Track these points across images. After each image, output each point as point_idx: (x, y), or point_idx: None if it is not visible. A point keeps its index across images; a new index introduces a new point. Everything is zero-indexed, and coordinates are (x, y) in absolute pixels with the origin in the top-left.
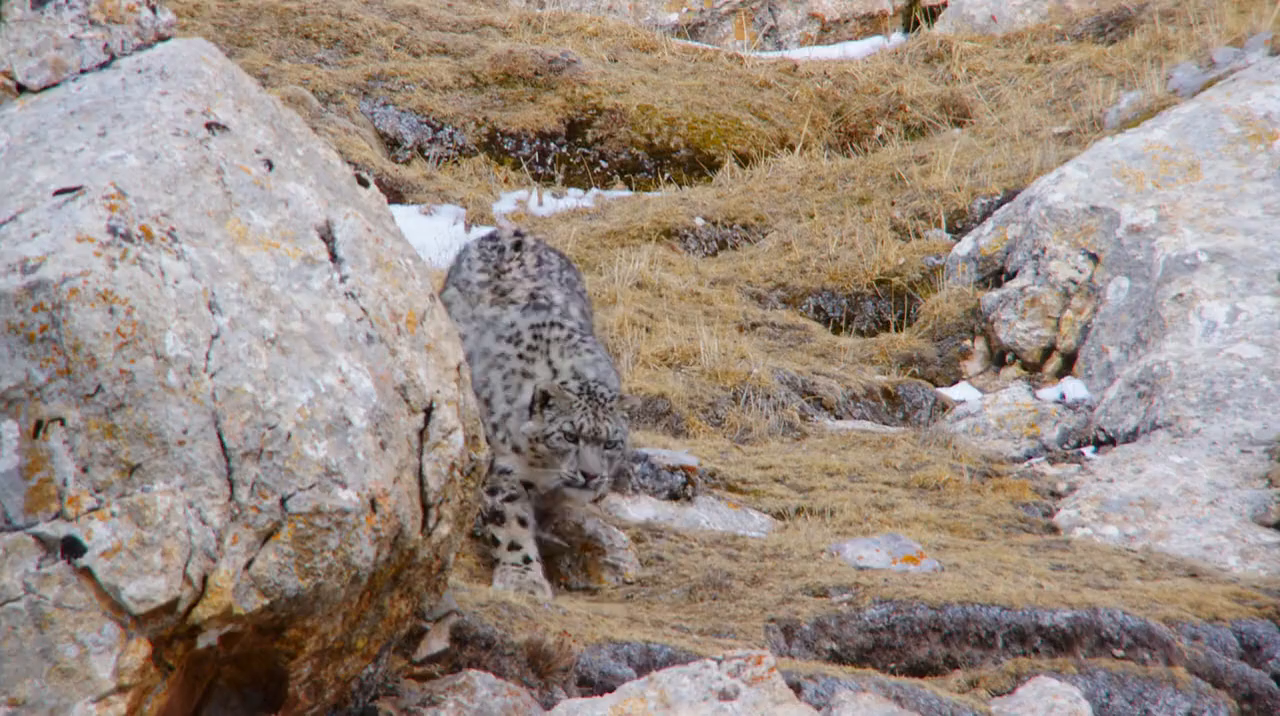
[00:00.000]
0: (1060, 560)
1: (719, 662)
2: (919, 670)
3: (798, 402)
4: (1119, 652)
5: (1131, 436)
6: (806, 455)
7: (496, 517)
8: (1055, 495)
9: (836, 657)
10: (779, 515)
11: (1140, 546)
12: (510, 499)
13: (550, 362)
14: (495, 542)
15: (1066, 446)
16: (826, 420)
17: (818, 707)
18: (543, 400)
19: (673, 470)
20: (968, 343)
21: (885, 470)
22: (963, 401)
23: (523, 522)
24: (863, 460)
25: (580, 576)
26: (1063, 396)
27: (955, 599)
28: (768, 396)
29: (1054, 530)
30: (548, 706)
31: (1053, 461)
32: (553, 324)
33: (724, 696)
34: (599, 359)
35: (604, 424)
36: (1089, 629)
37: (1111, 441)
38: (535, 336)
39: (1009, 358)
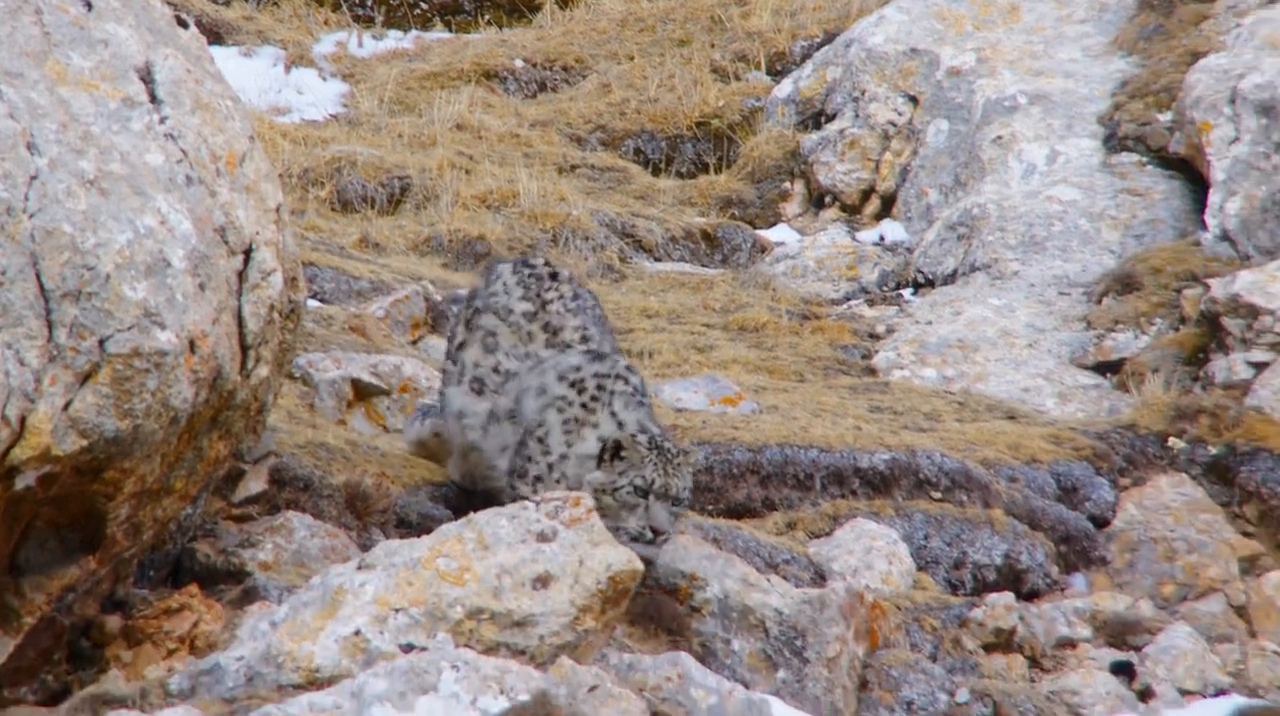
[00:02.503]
0: (879, 402)
1: (537, 505)
2: (737, 512)
3: (617, 244)
4: (937, 495)
5: (950, 278)
6: (625, 297)
7: None
8: (874, 337)
9: None
10: (598, 357)
11: (958, 388)
12: None
13: (614, 414)
14: None
15: (885, 288)
16: (645, 262)
17: None
18: (614, 451)
19: None
20: (787, 185)
21: (704, 312)
22: (782, 243)
23: None
24: (682, 302)
25: (398, 418)
26: (882, 238)
27: (773, 441)
28: (587, 238)
29: (872, 372)
30: (366, 548)
31: (871, 303)
32: (617, 377)
33: (542, 538)
34: (650, 410)
35: (674, 480)
36: (907, 471)
37: (930, 283)
38: (599, 387)
39: (828, 200)
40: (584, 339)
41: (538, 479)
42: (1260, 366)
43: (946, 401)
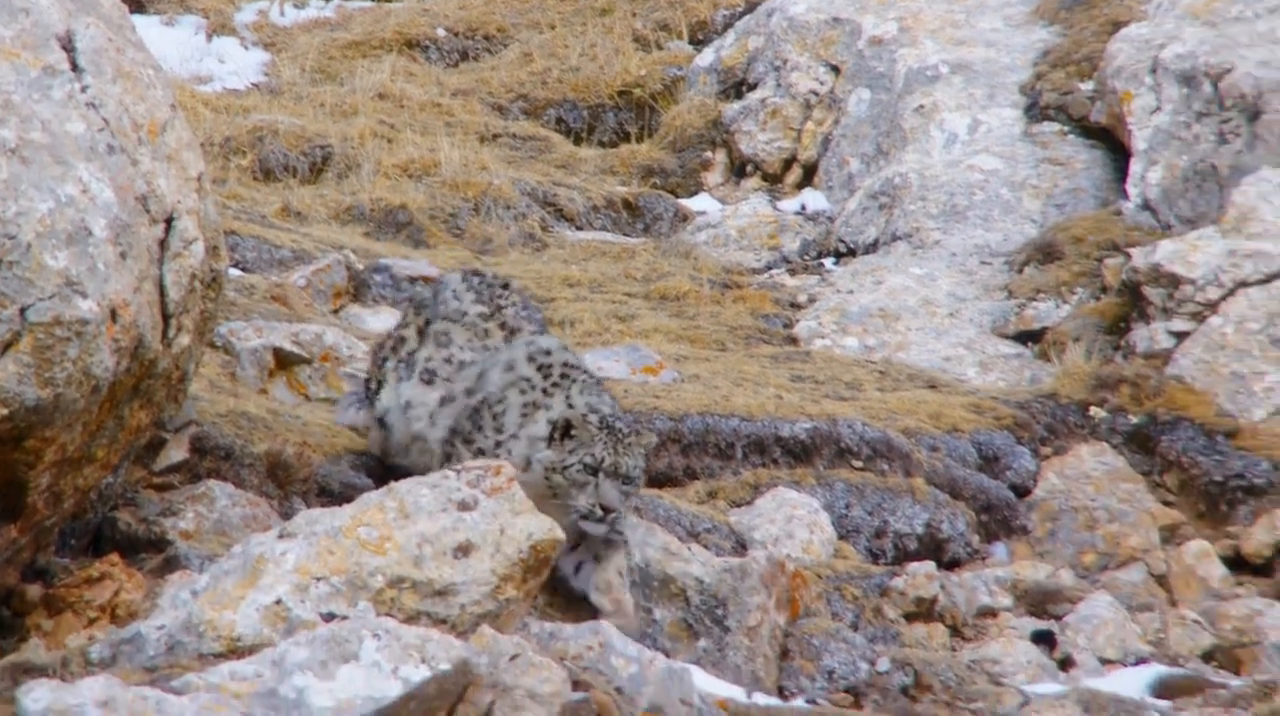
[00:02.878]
0: (800, 371)
1: (458, 473)
2: (659, 481)
3: (539, 213)
4: (858, 463)
5: (872, 248)
6: (547, 265)
7: None
8: (795, 306)
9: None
10: None
11: (880, 357)
12: None
13: (568, 398)
14: None
15: (807, 257)
16: (567, 231)
17: None
18: (564, 430)
19: (413, 280)
20: (709, 154)
21: (626, 281)
22: (703, 212)
23: None
24: (603, 271)
25: (320, 387)
26: (803, 207)
27: (695, 410)
28: (509, 207)
29: (794, 341)
30: (287, 516)
31: (793, 272)
32: (583, 369)
33: (463, 507)
34: (614, 402)
35: (624, 458)
36: (828, 440)
37: (852, 252)
38: (564, 374)
39: (750, 169)
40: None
41: (481, 451)
42: (1181, 336)
43: (868, 370)
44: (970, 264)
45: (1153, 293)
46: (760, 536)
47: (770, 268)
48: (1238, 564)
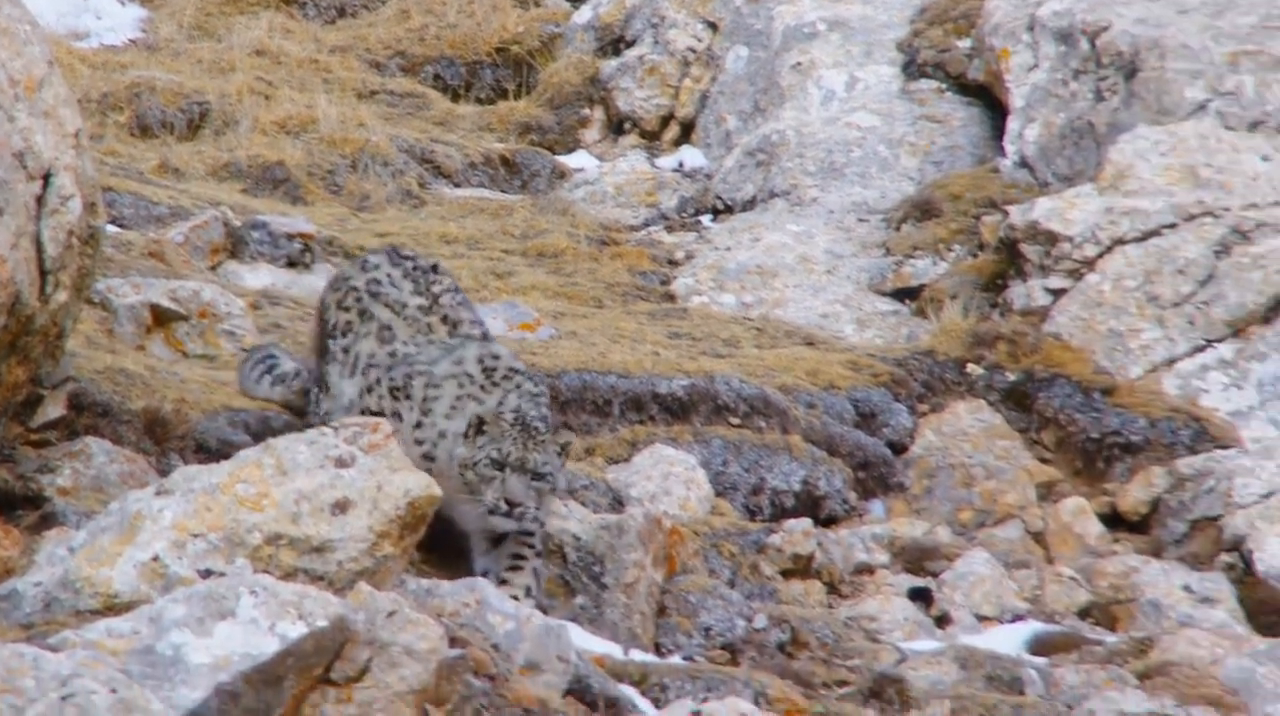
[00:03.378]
0: (677, 328)
1: (335, 430)
2: None
3: (416, 170)
4: (735, 420)
5: (750, 205)
6: (425, 222)
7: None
8: (673, 263)
9: None
10: None
11: (757, 314)
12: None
13: (500, 401)
14: None
15: (684, 214)
16: (445, 188)
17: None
18: (477, 426)
19: (291, 237)
20: (586, 111)
21: (503, 238)
22: (581, 169)
23: None
24: (481, 228)
25: (198, 343)
26: (681, 165)
27: (572, 366)
28: (386, 164)
29: (671, 298)
30: (165, 473)
31: (670, 229)
32: (530, 378)
33: (340, 463)
34: (544, 405)
35: (533, 454)
36: (705, 396)
37: (729, 210)
38: (505, 377)
39: (627, 126)
40: (485, 336)
41: (397, 415)
42: (1058, 293)
43: (745, 327)
44: (848, 221)
45: (1030, 250)
46: (637, 493)
47: (648, 225)
48: (1114, 521)
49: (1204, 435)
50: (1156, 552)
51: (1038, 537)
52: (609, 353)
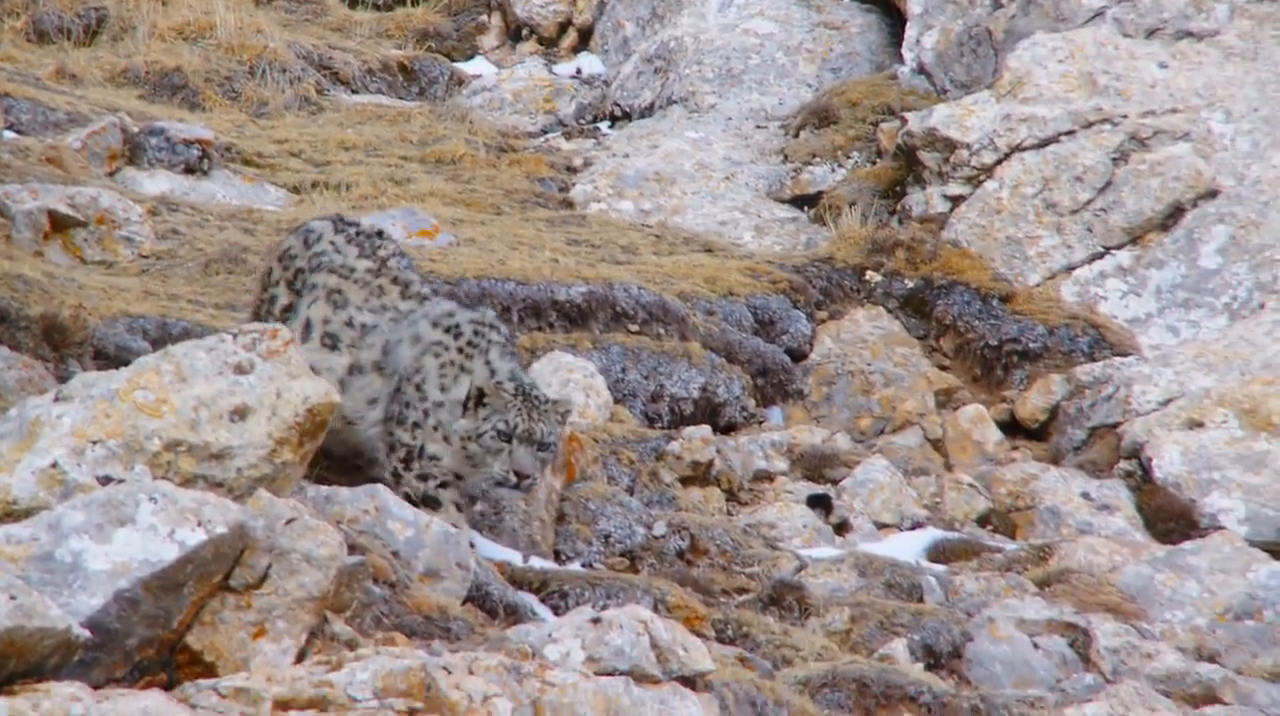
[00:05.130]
0: (576, 235)
1: (234, 337)
2: None
3: (314, 77)
4: (634, 327)
5: (648, 111)
6: (323, 129)
7: (431, 503)
8: (571, 170)
9: None
10: (295, 189)
11: (656, 221)
12: (444, 485)
13: (489, 363)
14: None
15: (583, 121)
16: (343, 94)
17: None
18: (478, 398)
19: (189, 143)
20: (484, 18)
21: (401, 144)
22: (479, 76)
23: (459, 507)
24: (379, 134)
25: (96, 249)
26: (579, 72)
27: (471, 273)
28: (284, 70)
29: (569, 205)
30: (63, 379)
31: (569, 137)
32: (492, 326)
33: (239, 370)
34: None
35: (538, 425)
36: (604, 303)
37: (627, 117)
38: (476, 332)
39: (525, 33)
40: (434, 292)
41: (415, 425)
42: (956, 200)
43: (643, 234)
44: (746, 128)
45: (928, 157)
46: None
47: (546, 132)
48: (1013, 428)
49: (1102, 342)
50: (1055, 460)
51: (936, 445)
52: (508, 260)
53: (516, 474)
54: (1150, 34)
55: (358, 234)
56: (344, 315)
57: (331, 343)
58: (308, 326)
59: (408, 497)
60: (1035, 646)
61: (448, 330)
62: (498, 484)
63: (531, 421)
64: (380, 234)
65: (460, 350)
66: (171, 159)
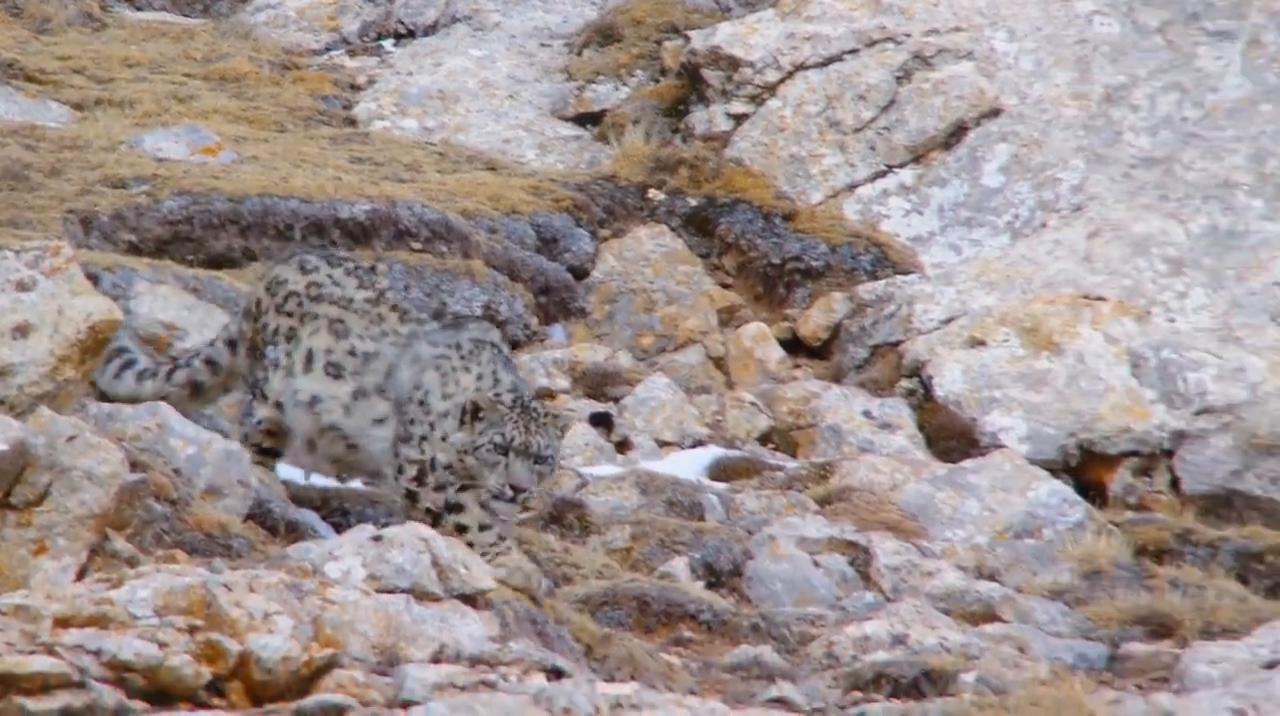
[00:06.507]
0: (359, 153)
1: (16, 253)
2: (217, 262)
3: None
4: (417, 245)
5: (431, 29)
6: (107, 46)
7: (457, 508)
8: (355, 88)
9: (135, 249)
10: (78, 106)
11: (439, 139)
12: (463, 488)
13: (495, 373)
14: (464, 530)
15: (366, 39)
16: (126, 11)
17: (116, 298)
18: (473, 411)
19: None
20: None
21: (185, 62)
22: None
23: (483, 505)
24: (162, 51)
25: None
26: None
27: (254, 191)
28: None
29: (353, 123)
30: None
31: (353, 54)
32: (493, 345)
33: (21, 287)
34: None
35: (535, 438)
36: (387, 221)
37: (411, 34)
38: (476, 345)
39: None
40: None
41: (423, 439)
42: (740, 118)
43: (427, 152)
44: (530, 46)
45: (711, 75)
46: None
47: (330, 49)
48: (795, 346)
49: (884, 260)
50: (837, 378)
51: (718, 363)
52: (291, 177)
53: (512, 487)
54: None
55: (355, 268)
56: (346, 344)
57: (335, 372)
58: (310, 356)
59: (429, 513)
60: (816, 564)
61: (449, 346)
62: (494, 497)
63: (529, 434)
64: (373, 268)
65: (462, 357)
66: None
